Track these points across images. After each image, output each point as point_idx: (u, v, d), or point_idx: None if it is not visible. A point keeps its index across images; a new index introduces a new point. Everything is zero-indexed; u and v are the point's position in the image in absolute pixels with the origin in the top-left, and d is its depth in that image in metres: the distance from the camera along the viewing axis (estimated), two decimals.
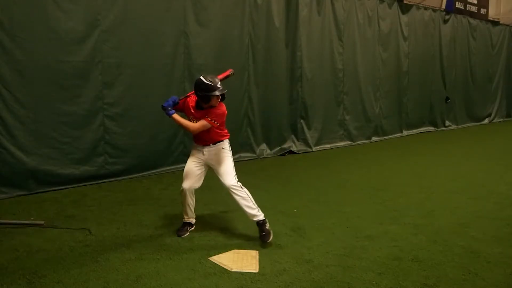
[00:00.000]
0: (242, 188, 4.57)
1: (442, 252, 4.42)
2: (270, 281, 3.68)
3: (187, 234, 4.77)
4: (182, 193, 4.69)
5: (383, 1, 12.49)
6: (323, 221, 5.33)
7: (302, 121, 10.34)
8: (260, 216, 4.60)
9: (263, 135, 9.56)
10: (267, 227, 4.58)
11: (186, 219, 4.85)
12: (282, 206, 5.91)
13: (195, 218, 4.94)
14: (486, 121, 17.54)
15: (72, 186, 6.70)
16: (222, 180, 4.60)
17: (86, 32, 6.77)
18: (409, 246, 4.57)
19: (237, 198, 4.54)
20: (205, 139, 4.59)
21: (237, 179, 4.59)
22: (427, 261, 4.19)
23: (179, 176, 7.43)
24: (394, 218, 5.51)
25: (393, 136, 13.04)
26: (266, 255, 4.24)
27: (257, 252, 4.29)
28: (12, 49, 6.09)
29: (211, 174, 4.78)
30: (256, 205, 4.61)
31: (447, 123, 15.54)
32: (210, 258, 4.14)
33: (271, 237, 4.54)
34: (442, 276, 3.85)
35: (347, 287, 3.61)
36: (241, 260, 4.11)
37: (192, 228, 4.88)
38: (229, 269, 3.91)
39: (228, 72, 4.78)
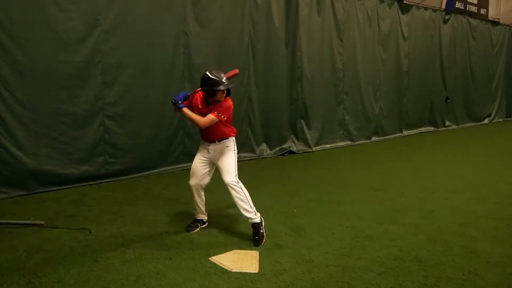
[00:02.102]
0: (241, 188, 4.60)
1: (442, 252, 4.42)
2: (270, 281, 3.68)
3: (196, 230, 4.88)
4: (189, 189, 4.79)
5: (383, 1, 12.51)
6: (323, 221, 5.33)
7: (302, 121, 10.36)
8: (256, 219, 4.63)
9: (263, 135, 9.58)
10: (261, 231, 4.62)
11: (196, 216, 4.95)
12: (282, 206, 5.92)
13: (207, 216, 5.05)
14: (486, 121, 17.57)
15: (72, 186, 6.70)
16: (223, 177, 4.64)
17: (86, 32, 6.77)
18: (409, 246, 4.57)
19: (234, 196, 4.59)
20: (212, 135, 4.65)
21: (238, 179, 4.61)
22: (427, 261, 4.19)
23: (179, 176, 7.57)
24: (394, 218, 5.51)
25: (393, 136, 13.05)
26: (266, 255, 4.24)
27: (257, 252, 4.29)
28: (12, 49, 6.09)
29: (214, 175, 4.84)
30: (254, 208, 4.62)
31: (447, 123, 15.55)
32: (210, 258, 4.14)
33: (263, 242, 4.57)
34: (442, 276, 3.85)
35: (347, 287, 3.61)
36: (241, 260, 4.11)
37: (204, 226, 4.99)
38: (229, 269, 3.91)
39: (235, 71, 4.88)
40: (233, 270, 3.89)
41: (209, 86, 4.44)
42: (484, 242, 4.70)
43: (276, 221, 5.18)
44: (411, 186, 7.23)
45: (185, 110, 4.51)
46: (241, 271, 3.87)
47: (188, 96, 4.66)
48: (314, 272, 3.88)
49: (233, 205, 4.76)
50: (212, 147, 4.69)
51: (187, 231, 4.84)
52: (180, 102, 4.51)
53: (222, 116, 4.53)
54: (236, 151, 4.77)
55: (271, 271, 3.89)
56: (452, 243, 4.67)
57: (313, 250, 4.39)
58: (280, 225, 5.13)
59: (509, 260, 4.21)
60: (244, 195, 4.59)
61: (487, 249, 4.48)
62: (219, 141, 4.69)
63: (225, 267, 3.95)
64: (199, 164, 4.75)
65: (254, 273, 3.84)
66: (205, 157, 4.73)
